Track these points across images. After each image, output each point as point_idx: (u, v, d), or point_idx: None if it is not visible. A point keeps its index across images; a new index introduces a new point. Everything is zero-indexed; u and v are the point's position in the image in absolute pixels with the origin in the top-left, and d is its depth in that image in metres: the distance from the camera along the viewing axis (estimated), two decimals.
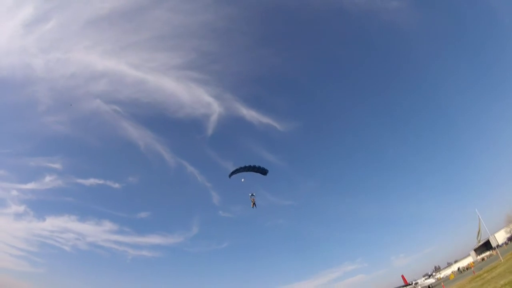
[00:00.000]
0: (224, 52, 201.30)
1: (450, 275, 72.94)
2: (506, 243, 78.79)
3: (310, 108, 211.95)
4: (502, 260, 37.03)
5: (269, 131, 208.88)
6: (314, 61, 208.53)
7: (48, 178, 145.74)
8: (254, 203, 38.79)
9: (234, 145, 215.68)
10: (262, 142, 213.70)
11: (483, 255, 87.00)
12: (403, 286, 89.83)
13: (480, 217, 40.25)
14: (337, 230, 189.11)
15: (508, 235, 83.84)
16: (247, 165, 39.07)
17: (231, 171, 39.53)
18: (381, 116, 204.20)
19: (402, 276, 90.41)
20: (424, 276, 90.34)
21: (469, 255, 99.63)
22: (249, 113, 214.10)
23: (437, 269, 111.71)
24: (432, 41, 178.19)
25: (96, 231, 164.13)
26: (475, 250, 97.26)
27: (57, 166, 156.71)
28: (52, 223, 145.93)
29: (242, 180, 38.94)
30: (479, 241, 58.40)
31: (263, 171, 39.92)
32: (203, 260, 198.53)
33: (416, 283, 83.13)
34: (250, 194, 39.01)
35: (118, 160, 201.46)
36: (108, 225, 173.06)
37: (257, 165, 39.56)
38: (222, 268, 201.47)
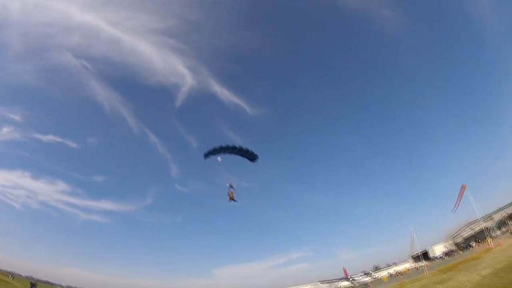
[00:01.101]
0: (207, 24, 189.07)
1: (383, 277, 73.38)
2: (441, 257, 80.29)
3: (282, 96, 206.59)
4: (427, 275, 35.59)
5: (238, 113, 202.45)
6: (297, 52, 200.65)
7: (5, 130, 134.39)
8: (232, 197, 32.86)
9: (201, 121, 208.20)
10: (230, 123, 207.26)
11: (419, 264, 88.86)
12: (342, 279, 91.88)
13: (413, 233, 38.89)
14: (291, 217, 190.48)
15: (446, 250, 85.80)
16: (231, 145, 33.52)
17: (210, 150, 33.09)
18: (348, 115, 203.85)
19: (344, 269, 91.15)
20: (362, 274, 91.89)
21: (407, 261, 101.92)
22: (222, 91, 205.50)
23: (377, 268, 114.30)
24: (413, 53, 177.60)
25: (49, 190, 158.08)
26: (413, 257, 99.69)
27: (16, 117, 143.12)
28: (4, 177, 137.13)
29: (219, 159, 33.45)
30: (411, 256, 58.56)
31: (251, 156, 34.60)
32: (154, 232, 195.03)
33: (353, 279, 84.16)
34: (228, 185, 33.04)
35: (80, 119, 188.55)
36: (61, 185, 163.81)
37: (245, 147, 33.77)
38: (172, 242, 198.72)
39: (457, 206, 43.37)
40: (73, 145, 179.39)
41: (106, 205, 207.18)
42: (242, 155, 34.47)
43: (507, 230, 49.20)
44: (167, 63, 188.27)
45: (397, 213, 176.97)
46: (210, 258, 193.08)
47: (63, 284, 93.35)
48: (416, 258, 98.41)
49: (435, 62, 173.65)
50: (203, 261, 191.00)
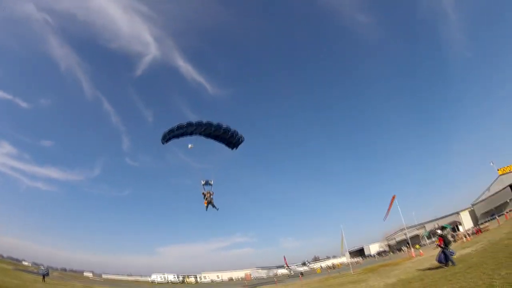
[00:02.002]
0: None
1: (317, 268, 76.16)
2: (374, 256, 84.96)
3: (246, 80, 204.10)
4: (352, 272, 36.56)
5: (199, 91, 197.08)
6: (269, 38, 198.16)
7: None
8: (211, 203, 24.89)
9: (160, 95, 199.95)
10: (189, 100, 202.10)
11: (354, 259, 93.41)
12: (280, 266, 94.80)
13: (343, 233, 39.68)
14: (240, 202, 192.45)
15: (380, 250, 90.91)
16: (204, 122, 23.65)
17: (173, 129, 23.19)
18: (308, 109, 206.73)
19: (284, 258, 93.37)
20: (300, 263, 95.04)
21: (343, 255, 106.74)
22: (185, 66, 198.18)
23: (316, 259, 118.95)
24: (379, 60, 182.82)
25: None
26: (350, 252, 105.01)
27: None
28: None
29: (190, 146, 23.63)
30: (342, 253, 61.16)
31: (234, 141, 25.75)
32: (100, 205, 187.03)
33: (290, 268, 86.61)
34: (202, 182, 24.77)
35: (34, 77, 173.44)
36: (7, 147, 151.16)
37: (226, 126, 24.42)
38: (118, 217, 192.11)
39: (387, 215, 45.31)
40: (24, 104, 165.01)
41: (52, 172, 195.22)
42: (219, 139, 25.68)
43: (433, 242, 52.08)
44: (133, 29, 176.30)
45: (341, 209, 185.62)
46: (155, 236, 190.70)
47: (3, 255, 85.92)
48: (352, 254, 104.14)
49: (392, 79, 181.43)
50: (147, 239, 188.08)
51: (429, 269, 16.43)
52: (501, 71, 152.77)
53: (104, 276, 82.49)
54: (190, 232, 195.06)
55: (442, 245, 16.51)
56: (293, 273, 73.95)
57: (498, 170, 61.23)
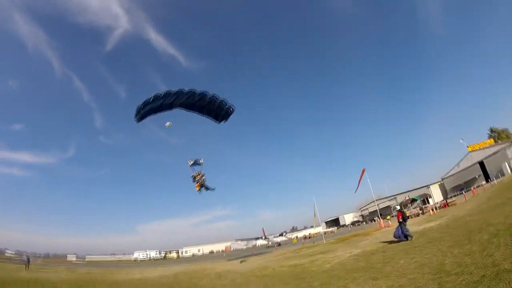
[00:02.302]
0: None
1: (293, 238, 79.08)
2: (349, 225, 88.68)
3: (221, 52, 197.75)
4: (324, 242, 37.92)
5: (172, 64, 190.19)
6: (244, 6, 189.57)
7: None
8: (203, 186, 21.97)
9: (132, 70, 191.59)
10: (162, 74, 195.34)
11: (330, 229, 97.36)
12: (259, 238, 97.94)
13: (315, 204, 40.79)
14: (220, 176, 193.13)
15: (354, 220, 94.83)
16: (186, 91, 20.02)
17: (146, 101, 19.43)
18: (282, 82, 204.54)
19: (263, 229, 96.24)
20: (277, 234, 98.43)
21: (319, 225, 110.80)
22: (157, 39, 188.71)
23: (294, 229, 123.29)
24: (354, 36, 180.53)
25: None
26: (326, 222, 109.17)
27: None
28: None
29: (168, 125, 20.37)
30: (316, 224, 63.68)
31: (221, 113, 22.20)
32: (76, 186, 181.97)
33: (268, 238, 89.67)
34: (190, 162, 21.49)
35: (1, 58, 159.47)
36: None
37: (212, 95, 21.14)
38: (95, 197, 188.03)
39: (358, 188, 47.13)
40: None
41: (25, 156, 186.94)
42: (203, 111, 21.94)
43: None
44: (102, 1, 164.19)
45: (319, 181, 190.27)
46: (136, 214, 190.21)
47: None
48: (328, 223, 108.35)
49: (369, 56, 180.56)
50: (128, 217, 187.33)
51: (392, 241, 17.06)
52: (476, 50, 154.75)
53: (87, 258, 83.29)
54: (171, 208, 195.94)
55: (400, 220, 17.16)
56: (271, 244, 76.52)
57: (467, 147, 63.86)
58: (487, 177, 54.20)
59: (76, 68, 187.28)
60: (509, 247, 7.70)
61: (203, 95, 20.80)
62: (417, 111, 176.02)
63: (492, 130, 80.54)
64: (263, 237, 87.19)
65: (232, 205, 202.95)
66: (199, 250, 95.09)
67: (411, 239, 15.57)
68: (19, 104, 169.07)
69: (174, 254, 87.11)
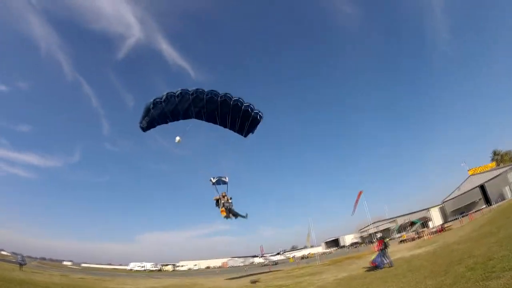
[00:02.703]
0: None
1: (290, 258, 77.80)
2: (348, 246, 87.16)
3: (230, 67, 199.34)
4: (317, 264, 37.37)
5: (181, 75, 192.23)
6: (253, 22, 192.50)
7: None
8: (232, 212, 16.65)
9: (141, 79, 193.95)
10: (171, 85, 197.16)
11: (329, 249, 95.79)
12: (256, 256, 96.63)
13: (310, 226, 40.60)
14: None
15: (354, 241, 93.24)
16: (207, 93, 15.31)
17: (157, 100, 15.05)
18: (288, 99, 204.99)
19: (261, 247, 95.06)
20: (274, 253, 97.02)
21: (320, 245, 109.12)
22: (168, 50, 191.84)
23: (294, 248, 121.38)
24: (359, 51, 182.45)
25: None
26: (326, 242, 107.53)
27: None
28: None
29: (178, 140, 15.14)
30: (308, 245, 63.29)
31: (246, 122, 16.85)
32: (79, 191, 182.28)
33: (265, 257, 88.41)
34: (212, 180, 16.66)
35: (13, 58, 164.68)
36: None
37: (237, 98, 15.93)
38: (97, 203, 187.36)
39: (355, 210, 46.63)
40: (1, 87, 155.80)
41: (30, 158, 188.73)
42: (226, 121, 16.73)
43: (401, 236, 53.56)
44: (116, 10, 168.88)
45: (320, 200, 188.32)
46: (135, 223, 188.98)
47: None
48: (329, 244, 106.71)
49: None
50: (127, 226, 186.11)
51: (375, 267, 16.79)
52: (481, 73, 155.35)
53: (83, 265, 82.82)
54: (171, 218, 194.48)
55: (381, 248, 16.98)
56: (268, 262, 75.51)
57: (468, 170, 63.21)
58: (488, 201, 53.37)
59: (86, 73, 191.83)
60: (477, 283, 7.52)
61: (226, 97, 15.80)
62: (421, 133, 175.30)
63: (495, 153, 79.76)
64: (260, 255, 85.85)
65: (232, 221, 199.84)
66: (195, 265, 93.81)
67: (391, 266, 15.51)
68: (27, 105, 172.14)
69: (169, 267, 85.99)
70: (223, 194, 16.63)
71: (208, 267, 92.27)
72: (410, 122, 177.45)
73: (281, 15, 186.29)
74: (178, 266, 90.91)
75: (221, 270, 71.84)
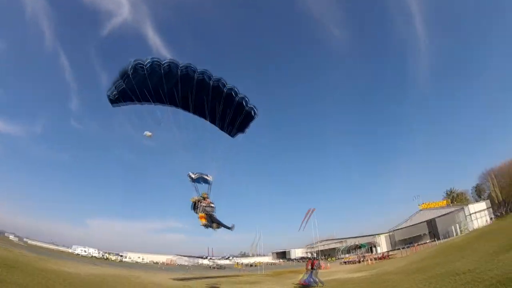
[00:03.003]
0: None
1: (236, 264, 76.87)
2: (297, 259, 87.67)
3: (213, 64, 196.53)
4: (259, 273, 36.97)
5: None
6: (243, 26, 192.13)
7: None
8: (214, 220, 13.04)
9: (120, 60, 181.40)
10: None
11: (276, 261, 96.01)
12: (205, 257, 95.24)
13: (257, 235, 40.20)
14: (181, 186, 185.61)
15: (302, 255, 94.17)
16: (199, 69, 12.20)
17: (136, 66, 11.46)
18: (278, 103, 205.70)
19: (208, 249, 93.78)
20: (222, 257, 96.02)
21: (269, 255, 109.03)
22: (154, 38, 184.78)
23: (243, 255, 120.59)
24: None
25: None
26: (277, 253, 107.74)
27: None
28: None
29: (148, 135, 12.51)
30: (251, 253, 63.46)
31: (238, 118, 13.92)
32: (36, 164, 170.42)
33: (213, 260, 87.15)
34: (192, 177, 13.36)
35: None
36: None
37: (229, 86, 12.92)
38: (52, 180, 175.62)
39: (302, 226, 47.11)
40: None
41: None
42: (214, 116, 13.98)
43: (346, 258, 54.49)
44: None
45: (277, 209, 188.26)
46: (87, 207, 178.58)
47: None
48: (279, 255, 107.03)
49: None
50: (79, 208, 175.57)
51: (305, 287, 16.54)
52: (452, 105, 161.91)
53: (28, 241, 77.04)
54: (124, 207, 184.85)
55: (313, 267, 17.24)
56: (215, 265, 74.65)
57: (419, 205, 66.50)
58: (435, 236, 55.73)
59: (66, 44, 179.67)
60: None
61: (220, 83, 12.59)
62: (384, 165, 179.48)
63: (449, 192, 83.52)
64: (208, 257, 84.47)
65: (186, 219, 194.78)
66: (142, 259, 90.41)
67: (322, 286, 15.71)
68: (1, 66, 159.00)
69: (115, 257, 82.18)
70: (204, 196, 13.35)
71: (156, 263, 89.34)
72: (376, 150, 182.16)
73: (272, 25, 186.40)
74: (123, 257, 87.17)
75: (167, 268, 69.99)
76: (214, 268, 67.54)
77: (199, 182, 13.62)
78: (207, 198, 13.26)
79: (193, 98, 12.79)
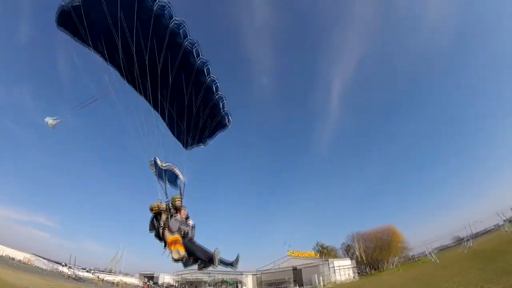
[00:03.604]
0: None
1: (99, 281, 67.25)
2: (163, 285, 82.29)
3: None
4: None
5: None
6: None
7: None
8: (197, 252, 7.39)
9: None
10: None
11: (140, 283, 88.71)
12: (64, 264, 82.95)
13: (122, 250, 36.95)
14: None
15: (170, 282, 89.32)
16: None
17: None
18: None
19: (71, 256, 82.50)
20: (82, 268, 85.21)
21: (135, 275, 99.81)
22: None
23: (110, 271, 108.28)
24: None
25: None
26: (145, 276, 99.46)
27: None
28: None
29: (50, 123, 7.67)
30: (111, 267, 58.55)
31: (211, 122, 9.82)
32: None
33: (72, 269, 76.96)
34: (164, 192, 8.42)
35: None
36: None
37: (213, 78, 9.01)
38: None
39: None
40: None
41: None
42: (182, 113, 9.32)
43: None
44: None
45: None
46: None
47: None
48: (147, 277, 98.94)
49: None
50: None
51: None
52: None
53: None
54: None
55: None
56: (74, 276, 66.86)
57: (288, 251, 70.39)
58: (299, 283, 58.29)
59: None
60: None
61: (204, 65, 8.72)
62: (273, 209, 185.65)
63: (320, 245, 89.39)
64: (68, 265, 74.67)
65: (59, 218, 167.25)
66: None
67: None
68: None
69: None
70: (176, 202, 8.08)
71: (12, 258, 74.50)
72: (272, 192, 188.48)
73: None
74: None
75: (24, 266, 60.54)
76: (71, 278, 61.79)
77: (167, 178, 8.74)
78: (182, 206, 8.08)
79: (172, 73, 8.42)
